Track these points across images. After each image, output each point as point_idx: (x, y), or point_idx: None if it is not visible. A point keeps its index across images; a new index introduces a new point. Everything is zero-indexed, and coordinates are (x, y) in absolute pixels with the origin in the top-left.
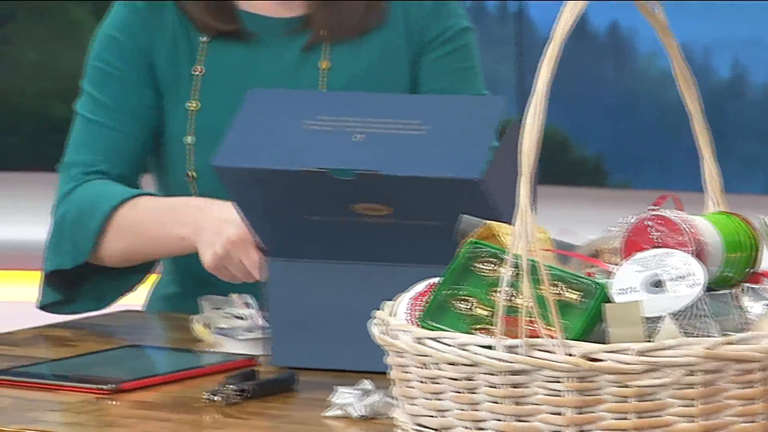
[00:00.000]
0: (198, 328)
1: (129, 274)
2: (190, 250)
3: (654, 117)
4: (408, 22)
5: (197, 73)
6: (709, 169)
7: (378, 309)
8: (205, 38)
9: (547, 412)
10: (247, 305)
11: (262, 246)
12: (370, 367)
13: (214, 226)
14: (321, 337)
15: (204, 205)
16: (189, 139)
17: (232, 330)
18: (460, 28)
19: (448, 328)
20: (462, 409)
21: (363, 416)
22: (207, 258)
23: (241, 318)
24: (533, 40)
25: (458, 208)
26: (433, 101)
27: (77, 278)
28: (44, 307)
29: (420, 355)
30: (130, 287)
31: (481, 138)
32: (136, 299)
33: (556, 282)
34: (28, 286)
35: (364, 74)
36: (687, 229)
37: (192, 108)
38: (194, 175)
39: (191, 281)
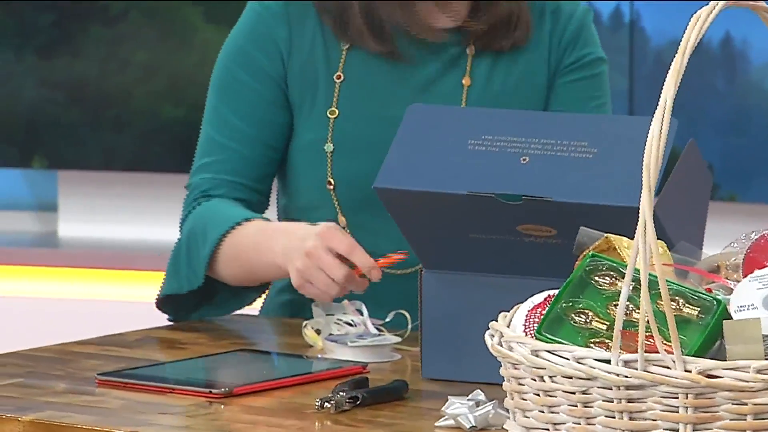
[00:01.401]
0: (310, 333)
1: (247, 291)
2: (285, 275)
3: (765, 130)
4: (551, 44)
5: (338, 80)
6: None
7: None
8: (346, 44)
9: (662, 428)
10: (359, 312)
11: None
12: None
13: (297, 246)
14: (470, 350)
15: (291, 230)
16: (328, 147)
17: (343, 336)
18: (596, 57)
19: (564, 341)
20: (577, 423)
21: (475, 427)
22: (293, 277)
23: (353, 325)
24: (646, 51)
25: (627, 233)
26: (598, 121)
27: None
28: (176, 319)
29: (536, 368)
30: (248, 302)
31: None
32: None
33: (675, 297)
34: (138, 286)
35: (502, 94)
36: None
37: (332, 115)
38: (332, 181)
39: None
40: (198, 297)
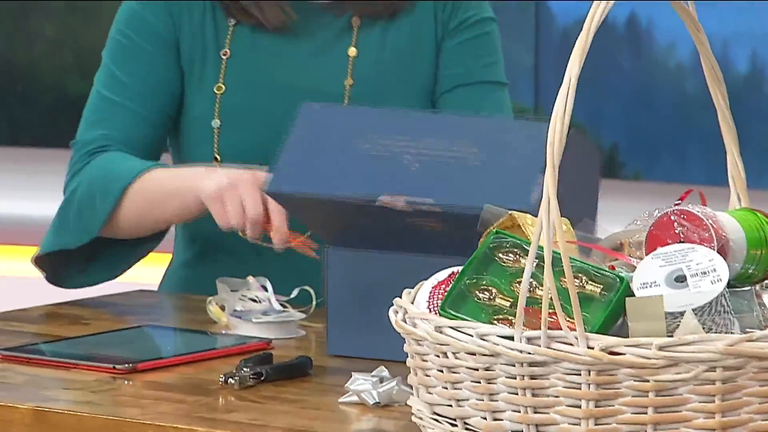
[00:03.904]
0: (214, 309)
1: (141, 243)
2: (195, 202)
3: (670, 109)
4: (436, 9)
5: (224, 56)
6: (734, 165)
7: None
8: (233, 21)
9: (565, 404)
10: (264, 288)
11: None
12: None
13: (227, 173)
14: (374, 327)
15: (212, 168)
16: (215, 122)
17: (247, 313)
18: (482, 17)
19: (468, 318)
20: (480, 399)
21: (378, 403)
22: (210, 186)
23: (257, 301)
24: (552, 29)
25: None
26: (486, 124)
27: (87, 253)
28: (54, 281)
29: (439, 344)
30: (141, 256)
31: (531, 166)
32: (149, 279)
33: (578, 274)
34: None
35: (391, 60)
36: (711, 225)
37: (218, 91)
38: (218, 157)
39: (204, 262)
40: (82, 257)
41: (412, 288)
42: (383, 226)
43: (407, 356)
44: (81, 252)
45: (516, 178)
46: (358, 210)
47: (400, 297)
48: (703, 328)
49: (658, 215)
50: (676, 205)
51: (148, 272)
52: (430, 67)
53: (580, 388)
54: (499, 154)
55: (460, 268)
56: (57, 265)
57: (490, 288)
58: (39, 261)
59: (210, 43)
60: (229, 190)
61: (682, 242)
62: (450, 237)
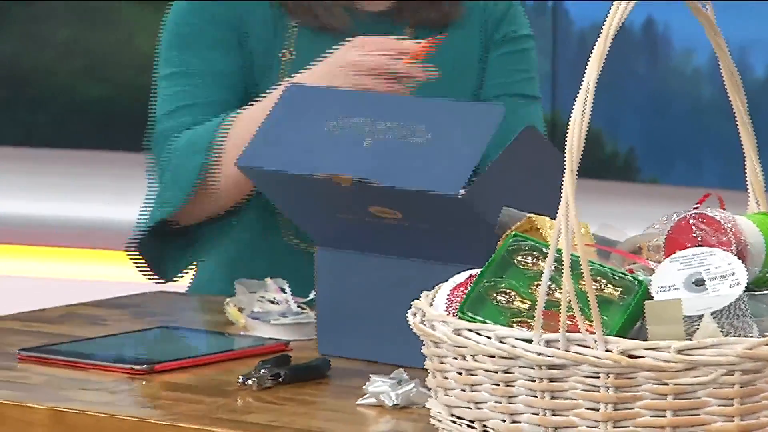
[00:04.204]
0: (232, 311)
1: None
2: None
3: (686, 114)
4: (483, 22)
5: (286, 58)
6: (753, 170)
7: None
8: (294, 23)
9: (584, 407)
10: (282, 290)
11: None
12: (409, 361)
13: (335, 60)
14: (364, 328)
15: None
16: None
17: (265, 314)
18: (523, 34)
19: (486, 320)
20: (498, 402)
21: (396, 405)
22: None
23: (275, 302)
24: (569, 34)
25: (450, 219)
26: (442, 106)
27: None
28: (155, 270)
29: (458, 347)
30: (224, 233)
31: (471, 150)
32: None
33: (597, 277)
34: (57, 262)
35: (441, 70)
36: (729, 229)
37: None
38: None
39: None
40: (178, 239)
41: (406, 290)
42: (355, 219)
43: (395, 358)
44: (177, 235)
45: (455, 162)
46: (316, 187)
47: (384, 300)
48: (722, 332)
49: (677, 219)
50: (695, 208)
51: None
52: (477, 78)
53: (598, 391)
54: (447, 135)
55: (478, 271)
56: (153, 254)
57: (509, 291)
58: (139, 243)
59: (270, 43)
60: (362, 62)
61: (701, 246)
62: (418, 233)
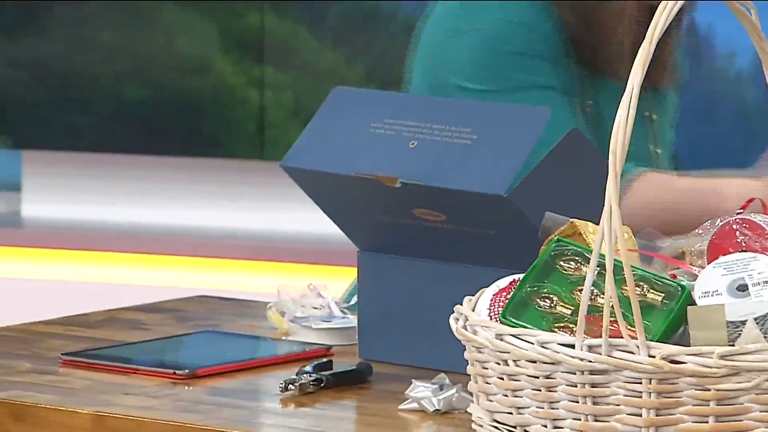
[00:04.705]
0: (273, 316)
1: None
2: None
3: (730, 118)
4: None
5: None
6: None
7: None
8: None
9: (625, 413)
10: (324, 295)
11: None
12: (451, 366)
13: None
14: (406, 333)
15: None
16: None
17: (307, 319)
18: None
19: (529, 326)
20: (540, 407)
21: (438, 410)
22: None
23: (317, 307)
24: None
25: (494, 220)
26: (487, 109)
27: None
28: None
29: (500, 352)
30: None
31: (517, 152)
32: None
33: (639, 283)
34: (101, 267)
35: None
36: None
37: None
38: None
39: None
40: None
41: (448, 296)
42: (398, 222)
43: (437, 364)
44: None
45: (500, 163)
46: (359, 188)
47: (429, 305)
48: (765, 338)
49: (720, 224)
50: (738, 214)
51: (210, 278)
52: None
53: (640, 397)
54: (493, 137)
55: (521, 276)
56: None
57: (551, 296)
58: None
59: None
60: None
61: (744, 251)
62: (461, 236)
